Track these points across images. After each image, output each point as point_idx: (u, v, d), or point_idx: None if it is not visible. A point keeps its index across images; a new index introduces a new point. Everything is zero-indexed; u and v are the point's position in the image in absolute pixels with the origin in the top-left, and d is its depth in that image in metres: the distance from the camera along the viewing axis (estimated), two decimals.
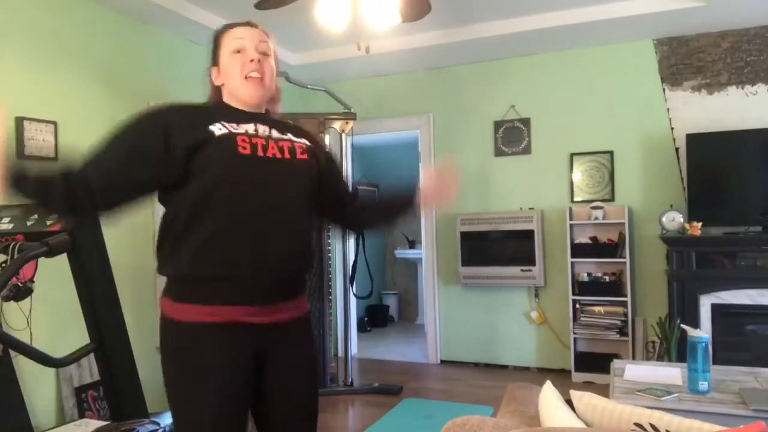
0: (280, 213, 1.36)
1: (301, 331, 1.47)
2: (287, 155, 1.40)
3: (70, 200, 1.30)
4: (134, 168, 1.31)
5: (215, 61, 1.45)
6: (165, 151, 1.30)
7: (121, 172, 1.31)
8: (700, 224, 3.75)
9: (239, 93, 1.41)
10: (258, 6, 2.86)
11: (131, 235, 3.43)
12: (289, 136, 1.45)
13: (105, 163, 1.32)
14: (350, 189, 1.68)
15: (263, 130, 1.40)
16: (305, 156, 1.43)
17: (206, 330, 1.31)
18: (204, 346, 1.31)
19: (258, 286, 1.34)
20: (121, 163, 1.32)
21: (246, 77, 1.39)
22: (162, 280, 1.40)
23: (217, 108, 1.44)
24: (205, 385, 1.31)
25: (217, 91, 1.47)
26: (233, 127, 1.35)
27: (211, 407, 1.30)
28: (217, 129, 1.33)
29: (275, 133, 1.42)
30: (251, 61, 1.39)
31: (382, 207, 1.71)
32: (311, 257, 1.49)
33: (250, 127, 1.38)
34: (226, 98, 1.45)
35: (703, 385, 2.15)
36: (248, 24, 1.46)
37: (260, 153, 1.35)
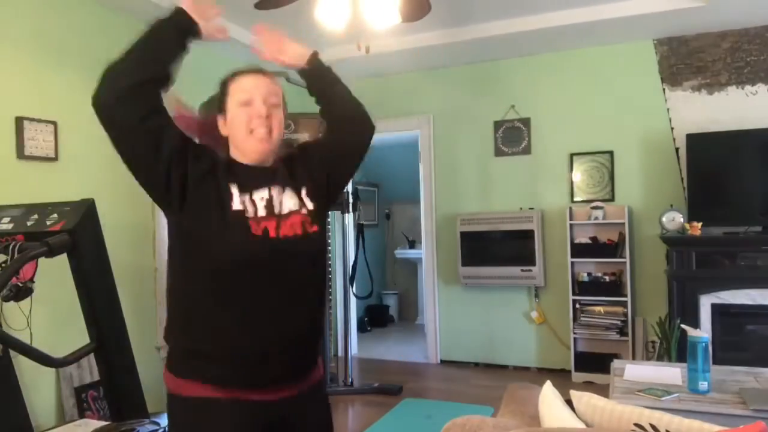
0: (289, 295, 1.30)
1: (314, 400, 1.42)
2: (299, 231, 1.33)
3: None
4: (160, 125, 1.27)
5: (222, 108, 1.39)
6: (181, 157, 1.26)
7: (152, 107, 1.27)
8: (700, 224, 3.75)
9: (244, 147, 1.35)
10: (258, 6, 2.86)
11: (131, 235, 3.43)
12: (303, 193, 1.39)
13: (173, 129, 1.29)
14: (329, 132, 1.56)
15: (277, 195, 1.34)
16: (315, 228, 1.37)
17: (210, 406, 1.26)
18: (209, 423, 1.26)
19: (264, 368, 1.29)
20: (177, 139, 1.28)
21: (252, 132, 1.33)
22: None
23: (229, 165, 1.37)
24: None
25: (226, 142, 1.41)
26: (247, 199, 1.30)
27: None
28: (236, 198, 1.28)
29: (287, 197, 1.36)
30: (258, 115, 1.33)
31: (321, 101, 1.58)
32: (322, 325, 1.44)
33: (263, 199, 1.32)
34: (233, 151, 1.38)
35: (703, 385, 2.15)
36: (258, 72, 1.39)
37: (272, 235, 1.29)
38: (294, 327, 1.32)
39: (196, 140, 1.36)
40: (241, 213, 1.27)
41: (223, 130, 1.39)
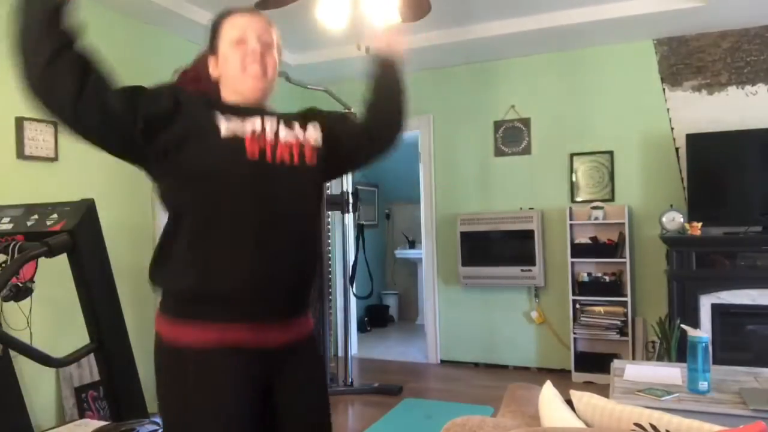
0: (285, 223, 1.27)
1: (308, 352, 1.39)
2: (296, 160, 1.30)
3: (53, 50, 1.17)
4: (127, 110, 1.19)
5: (212, 49, 1.33)
6: (165, 120, 1.20)
7: (117, 105, 1.19)
8: (700, 224, 3.75)
9: (239, 86, 1.30)
10: (258, 6, 2.85)
11: (131, 235, 3.43)
12: (297, 130, 1.35)
13: (111, 82, 1.21)
14: (364, 126, 1.52)
15: (271, 125, 1.31)
16: (314, 161, 1.34)
17: (210, 358, 1.21)
18: (208, 376, 1.22)
19: (262, 301, 1.26)
20: (121, 93, 1.20)
21: (247, 69, 1.28)
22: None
23: (217, 101, 1.34)
24: (209, 418, 1.21)
25: (216, 83, 1.36)
26: (239, 125, 1.25)
27: None
28: (223, 125, 1.23)
29: (283, 129, 1.32)
30: (253, 52, 1.29)
31: (377, 97, 1.55)
32: (315, 268, 1.41)
33: (256, 123, 1.28)
34: (224, 92, 1.34)
35: (703, 385, 2.15)
36: (251, 11, 1.34)
37: (268, 157, 1.25)
38: (292, 259, 1.29)
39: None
40: (231, 137, 1.23)
41: (214, 71, 1.34)
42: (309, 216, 1.36)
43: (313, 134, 1.38)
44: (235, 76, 1.30)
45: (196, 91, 1.34)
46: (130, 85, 1.23)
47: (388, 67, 1.50)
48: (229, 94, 1.33)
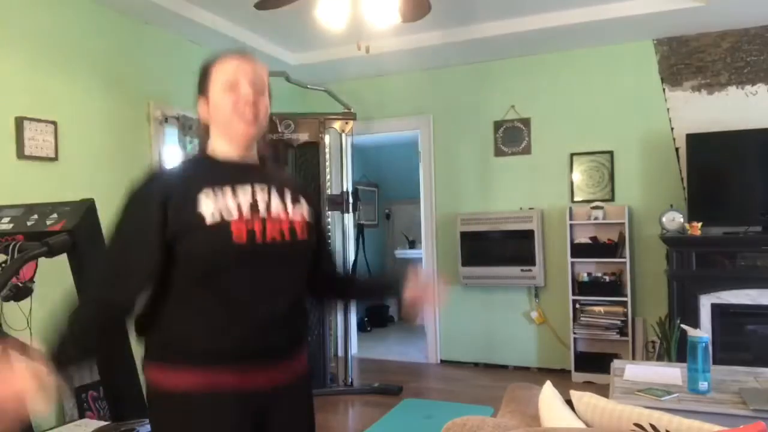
0: (278, 295, 1.29)
1: (299, 396, 1.39)
2: (287, 237, 1.29)
3: (108, 337, 1.27)
4: (151, 262, 1.22)
5: (203, 91, 1.32)
6: (164, 225, 1.22)
7: (142, 274, 1.23)
8: (700, 224, 3.75)
9: (230, 132, 1.29)
10: (258, 6, 2.85)
11: None
12: (288, 200, 1.34)
13: (124, 275, 1.23)
14: (334, 265, 1.60)
15: (262, 197, 1.29)
16: (305, 236, 1.34)
17: (195, 400, 1.22)
18: (193, 417, 1.22)
19: (251, 358, 1.26)
20: (141, 265, 1.23)
21: (239, 116, 1.27)
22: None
23: (204, 166, 1.32)
24: None
25: (206, 129, 1.35)
26: (225, 204, 1.24)
27: None
28: (209, 213, 1.21)
29: (274, 201, 1.31)
30: (245, 103, 1.27)
31: (366, 289, 1.70)
32: (306, 324, 1.43)
33: (246, 199, 1.27)
34: (213, 138, 1.33)
35: (703, 385, 2.15)
36: (242, 55, 1.32)
37: (258, 239, 1.24)
38: (284, 326, 1.30)
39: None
40: (218, 223, 1.22)
41: (204, 115, 1.33)
42: (300, 282, 1.36)
43: (305, 209, 1.39)
44: (226, 122, 1.29)
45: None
46: (120, 230, 1.25)
47: (394, 296, 1.58)
48: (219, 137, 1.32)
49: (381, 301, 1.47)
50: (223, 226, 1.22)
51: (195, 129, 3.73)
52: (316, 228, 1.44)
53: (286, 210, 1.33)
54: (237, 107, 1.27)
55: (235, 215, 1.24)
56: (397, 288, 1.56)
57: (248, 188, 1.29)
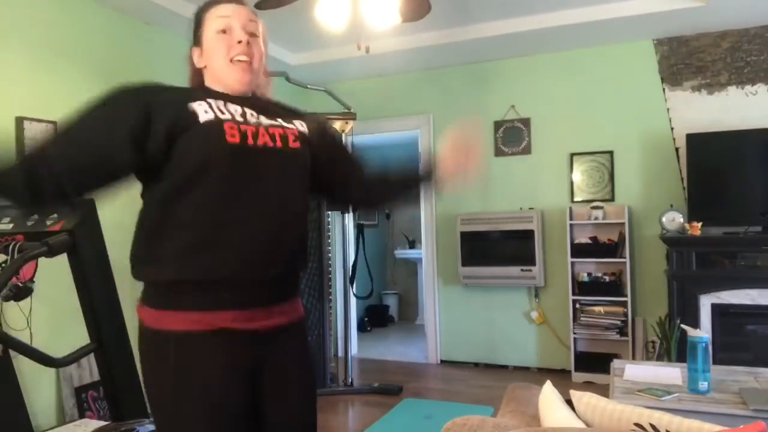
0: (272, 207, 1.24)
1: (296, 338, 1.35)
2: (279, 143, 1.27)
3: (32, 190, 1.14)
4: (109, 148, 1.17)
5: (197, 41, 1.31)
6: (144, 130, 1.17)
7: (92, 153, 1.18)
8: (700, 224, 3.75)
9: (224, 77, 1.28)
10: (258, 6, 2.85)
11: (131, 235, 3.42)
12: (280, 121, 1.32)
13: (74, 142, 1.19)
14: (360, 165, 1.51)
15: (251, 114, 1.27)
16: (298, 144, 1.31)
17: (194, 341, 1.18)
18: (193, 359, 1.19)
19: (249, 287, 1.23)
20: (93, 143, 1.18)
21: (232, 60, 1.26)
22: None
23: (200, 89, 1.31)
24: (196, 403, 1.19)
25: (199, 74, 1.33)
26: (219, 111, 1.23)
27: (203, 426, 1.19)
28: (202, 112, 1.20)
29: (264, 119, 1.29)
30: (239, 42, 1.26)
31: (396, 183, 1.56)
32: (306, 254, 1.37)
33: (237, 111, 1.25)
34: (209, 82, 1.32)
35: (703, 385, 2.15)
36: (235, 1, 1.31)
37: (250, 141, 1.22)
38: (281, 242, 1.26)
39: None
40: (211, 121, 1.20)
41: (199, 62, 1.32)
42: (296, 198, 1.31)
43: (298, 125, 1.36)
44: (220, 67, 1.28)
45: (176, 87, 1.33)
46: (98, 113, 1.22)
47: (429, 180, 1.50)
48: (214, 84, 1.31)
49: (417, 189, 1.39)
50: (216, 124, 1.20)
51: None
52: (325, 139, 1.42)
53: (279, 124, 1.31)
54: (230, 51, 1.26)
55: (228, 117, 1.23)
56: (428, 166, 1.49)
57: (239, 107, 1.28)
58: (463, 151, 1.44)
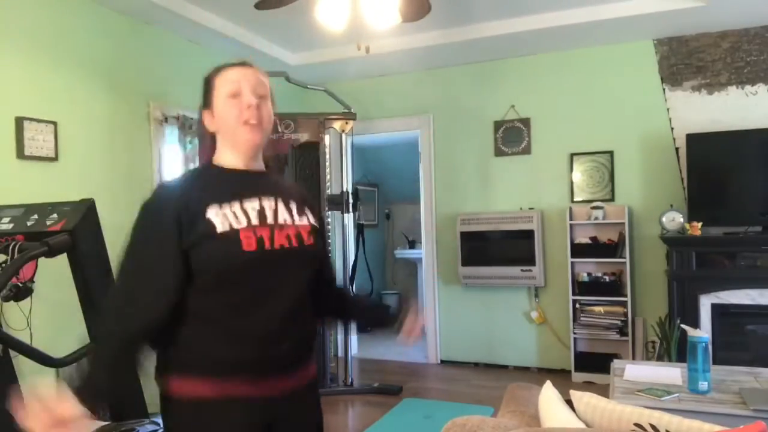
0: (287, 302, 1.30)
1: (308, 399, 1.43)
2: (294, 243, 1.32)
3: (136, 368, 1.26)
4: (174, 278, 1.22)
5: (207, 104, 1.36)
6: (180, 239, 1.22)
7: (162, 293, 1.22)
8: (700, 224, 3.75)
9: (236, 138, 1.32)
10: (258, 6, 2.86)
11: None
12: (294, 210, 1.37)
13: (137, 300, 1.22)
14: (332, 278, 1.61)
15: (269, 205, 1.32)
16: (312, 241, 1.37)
17: (208, 406, 1.24)
18: (207, 423, 1.25)
19: (264, 365, 1.29)
20: (157, 286, 1.22)
21: (244, 123, 1.30)
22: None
23: (212, 177, 1.34)
24: None
25: (212, 139, 1.38)
26: (234, 218, 1.25)
27: None
28: (218, 223, 1.23)
29: (281, 210, 1.34)
30: (249, 107, 1.30)
31: (358, 310, 1.72)
32: (315, 328, 1.45)
33: (254, 210, 1.29)
34: (221, 143, 1.35)
35: (703, 385, 2.15)
36: (243, 64, 1.36)
37: (267, 246, 1.27)
38: (294, 330, 1.32)
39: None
40: (227, 232, 1.24)
41: (210, 126, 1.36)
42: (307, 284, 1.38)
43: (310, 217, 1.41)
44: (232, 130, 1.32)
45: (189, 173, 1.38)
46: (142, 252, 1.25)
47: (388, 324, 1.68)
48: (226, 147, 1.35)
49: (374, 326, 1.62)
50: (232, 234, 1.24)
51: (195, 129, 3.73)
52: (321, 236, 1.47)
53: (292, 218, 1.35)
54: (241, 114, 1.30)
55: (243, 224, 1.26)
56: (391, 321, 1.68)
57: (255, 200, 1.31)
58: (419, 324, 1.65)
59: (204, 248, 1.22)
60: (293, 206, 1.38)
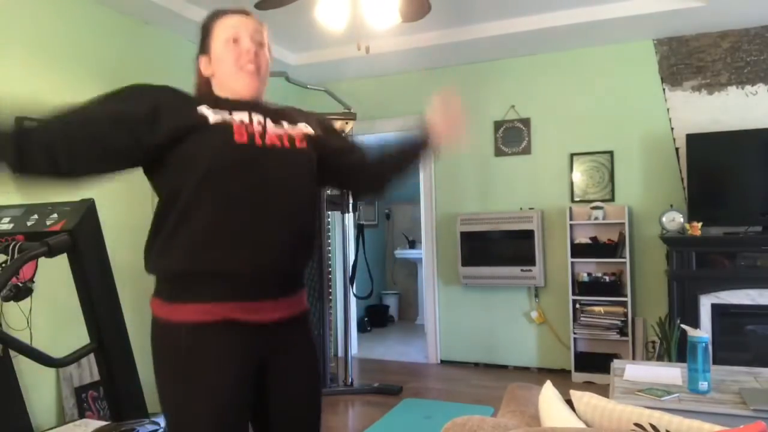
0: (279, 203, 1.28)
1: (301, 332, 1.40)
2: (286, 144, 1.32)
3: (24, 153, 1.16)
4: (104, 127, 1.21)
5: (204, 49, 1.36)
6: (147, 123, 1.21)
7: (89, 130, 1.20)
8: (700, 224, 3.75)
9: (233, 84, 1.33)
10: (258, 6, 2.86)
11: (131, 235, 3.42)
12: (285, 125, 1.37)
13: (74, 118, 1.22)
14: (364, 154, 1.55)
15: (258, 119, 1.32)
16: (304, 144, 1.36)
17: (203, 331, 1.22)
18: (201, 348, 1.23)
19: (257, 280, 1.27)
20: (91, 120, 1.21)
21: (241, 68, 1.31)
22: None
23: (207, 96, 1.35)
24: (202, 392, 1.23)
25: (206, 83, 1.38)
26: (226, 115, 1.27)
27: (210, 416, 1.23)
28: (210, 114, 1.25)
29: (270, 123, 1.33)
30: (247, 51, 1.31)
31: (396, 159, 1.57)
32: (313, 248, 1.42)
33: (244, 116, 1.30)
34: (217, 90, 1.36)
35: (703, 385, 2.15)
36: (242, 12, 1.37)
37: (258, 141, 1.27)
38: (288, 237, 1.30)
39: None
40: (220, 123, 1.25)
41: (206, 70, 1.37)
42: (304, 194, 1.36)
43: (303, 127, 1.41)
44: (229, 75, 1.33)
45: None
46: (107, 99, 1.27)
47: (426, 148, 1.52)
48: (222, 91, 1.36)
49: (417, 159, 1.44)
50: (225, 125, 1.25)
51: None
52: (329, 133, 1.47)
53: (282, 126, 1.36)
54: (240, 58, 1.31)
55: (236, 121, 1.28)
56: (422, 135, 1.52)
57: (245, 113, 1.32)
58: (450, 110, 1.51)
59: (193, 140, 1.23)
60: (284, 121, 1.38)
